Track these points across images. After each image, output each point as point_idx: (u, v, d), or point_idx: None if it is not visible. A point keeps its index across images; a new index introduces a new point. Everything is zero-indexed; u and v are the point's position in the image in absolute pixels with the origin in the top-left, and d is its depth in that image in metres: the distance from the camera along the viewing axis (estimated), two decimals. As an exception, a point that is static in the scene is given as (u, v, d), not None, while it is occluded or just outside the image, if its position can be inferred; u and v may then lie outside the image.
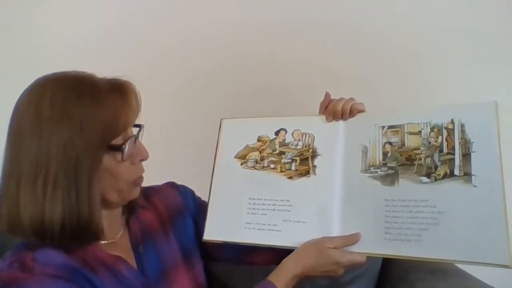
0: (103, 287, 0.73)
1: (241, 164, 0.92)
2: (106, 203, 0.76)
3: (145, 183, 0.83)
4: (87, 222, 0.69)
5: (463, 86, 1.35)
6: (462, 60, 1.36)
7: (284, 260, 0.80)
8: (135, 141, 0.77)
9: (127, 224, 0.86)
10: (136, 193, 0.81)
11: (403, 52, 1.39)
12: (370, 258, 0.80)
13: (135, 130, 0.79)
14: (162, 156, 0.92)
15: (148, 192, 0.91)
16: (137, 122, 0.79)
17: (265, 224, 0.86)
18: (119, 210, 0.84)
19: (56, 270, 0.69)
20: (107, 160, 0.71)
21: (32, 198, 0.67)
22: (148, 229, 0.87)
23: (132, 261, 0.81)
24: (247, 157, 0.93)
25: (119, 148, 0.72)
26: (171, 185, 0.99)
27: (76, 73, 0.73)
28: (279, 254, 0.82)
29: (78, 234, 0.69)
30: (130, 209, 0.86)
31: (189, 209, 0.95)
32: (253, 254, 0.92)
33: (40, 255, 0.70)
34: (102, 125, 0.69)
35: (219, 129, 0.96)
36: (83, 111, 0.68)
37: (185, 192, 0.98)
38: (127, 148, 0.73)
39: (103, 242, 0.79)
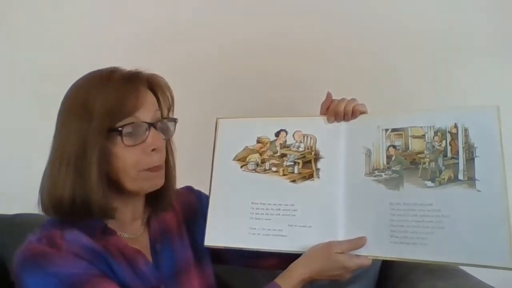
0: (121, 275, 0.77)
1: (241, 166, 0.90)
2: (125, 190, 0.79)
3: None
4: (92, 199, 0.74)
5: (466, 86, 1.37)
6: (463, 60, 1.37)
7: (292, 264, 0.81)
8: (148, 129, 0.78)
9: (148, 223, 0.88)
10: (156, 183, 0.81)
11: (404, 52, 1.39)
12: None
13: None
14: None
15: None
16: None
17: (270, 230, 0.85)
18: (140, 203, 0.86)
19: (81, 251, 0.74)
20: (110, 143, 0.75)
21: (49, 176, 0.76)
22: (166, 229, 0.90)
23: (149, 257, 0.84)
24: (247, 159, 0.90)
25: (118, 131, 0.75)
26: (188, 189, 1.01)
27: (105, 68, 0.80)
28: (287, 259, 0.82)
29: (86, 209, 0.75)
30: (153, 210, 0.89)
31: (204, 213, 0.93)
32: (261, 258, 0.92)
33: (68, 235, 0.76)
34: (107, 110, 0.74)
35: (215, 129, 0.93)
36: (93, 98, 0.75)
37: (200, 197, 0.99)
38: (130, 132, 0.75)
39: (124, 235, 0.83)
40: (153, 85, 0.82)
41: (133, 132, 0.76)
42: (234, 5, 1.44)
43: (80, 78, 0.80)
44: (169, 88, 0.84)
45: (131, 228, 0.85)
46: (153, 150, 0.78)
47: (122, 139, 0.75)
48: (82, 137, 0.74)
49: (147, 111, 0.78)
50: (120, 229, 0.82)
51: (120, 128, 0.75)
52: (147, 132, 0.78)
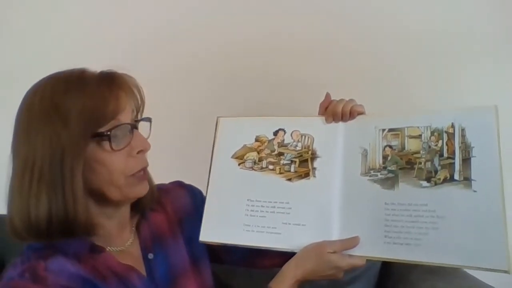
0: None
1: (239, 164, 0.91)
2: (108, 200, 0.74)
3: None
4: (73, 216, 0.68)
5: (465, 86, 1.36)
6: (463, 60, 1.36)
7: (285, 265, 0.81)
8: (132, 131, 0.75)
9: (137, 229, 0.85)
10: (141, 189, 0.78)
11: (404, 52, 1.39)
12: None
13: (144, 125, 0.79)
14: (159, 153, 0.89)
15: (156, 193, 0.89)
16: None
17: (264, 227, 0.85)
18: (126, 212, 0.82)
19: (69, 281, 0.69)
20: (94, 149, 0.71)
21: (18, 194, 0.68)
22: (158, 233, 0.87)
23: (142, 269, 0.81)
24: (245, 157, 0.91)
25: (104, 135, 0.70)
26: (179, 184, 0.98)
27: (68, 69, 0.74)
28: (288, 257, 0.82)
29: (66, 228, 0.69)
30: (141, 213, 0.86)
31: (198, 210, 0.91)
32: (262, 257, 0.91)
33: (53, 265, 0.70)
34: (87, 114, 0.69)
35: (216, 127, 0.94)
36: (68, 103, 0.69)
37: (193, 193, 0.97)
38: (116, 136, 0.71)
39: (113, 249, 0.79)
40: (127, 85, 0.77)
41: (119, 135, 0.72)
42: (234, 5, 1.45)
43: (40, 83, 0.73)
44: (140, 88, 0.80)
45: (119, 240, 0.81)
46: (139, 152, 0.75)
47: (110, 143, 0.70)
48: (58, 145, 0.67)
49: (127, 112, 0.74)
50: (107, 243, 0.78)
51: (108, 132, 0.70)
52: (132, 134, 0.75)
